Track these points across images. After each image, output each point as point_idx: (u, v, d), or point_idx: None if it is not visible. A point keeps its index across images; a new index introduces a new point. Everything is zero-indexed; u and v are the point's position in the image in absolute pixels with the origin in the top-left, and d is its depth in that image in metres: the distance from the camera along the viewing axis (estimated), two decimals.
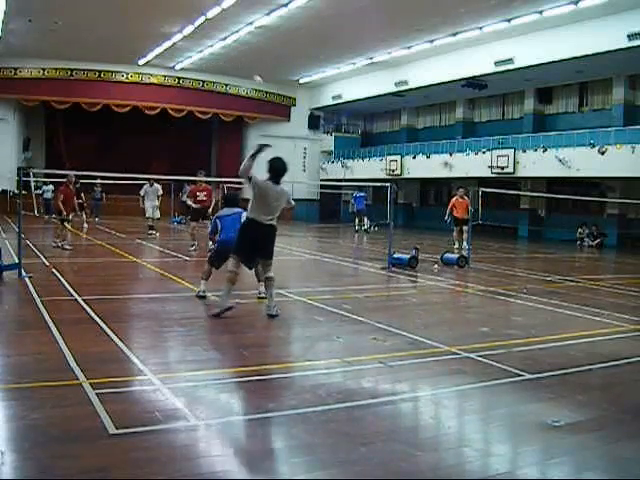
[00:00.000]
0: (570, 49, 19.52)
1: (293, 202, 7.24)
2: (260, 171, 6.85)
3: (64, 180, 13.99)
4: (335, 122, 35.27)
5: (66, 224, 13.77)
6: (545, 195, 21.92)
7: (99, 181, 23.55)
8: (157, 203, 18.08)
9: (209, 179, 19.10)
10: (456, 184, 28.12)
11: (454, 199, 16.21)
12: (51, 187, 23.97)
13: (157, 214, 18.06)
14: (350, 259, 13.59)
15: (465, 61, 23.24)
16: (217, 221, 8.31)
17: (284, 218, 33.25)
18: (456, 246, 16.18)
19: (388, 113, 34.04)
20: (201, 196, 13.85)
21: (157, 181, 18.24)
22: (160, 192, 18.23)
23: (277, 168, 6.93)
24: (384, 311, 7.88)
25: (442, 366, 5.24)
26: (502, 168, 23.15)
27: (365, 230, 23.43)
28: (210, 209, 13.93)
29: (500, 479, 3.21)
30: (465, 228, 16.04)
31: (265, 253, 6.93)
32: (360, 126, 36.09)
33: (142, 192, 18.40)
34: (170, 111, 29.81)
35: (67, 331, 5.79)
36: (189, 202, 14.07)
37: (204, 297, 7.91)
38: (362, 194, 24.03)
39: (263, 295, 7.38)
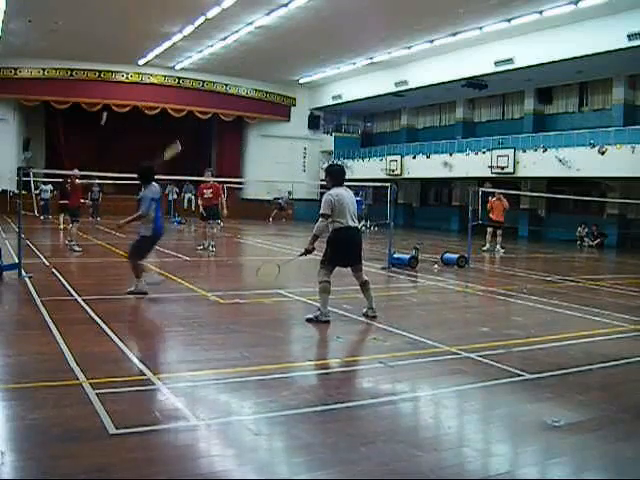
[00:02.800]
0: (570, 49, 19.52)
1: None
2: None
3: (61, 179, 13.91)
4: (335, 122, 35.25)
5: (75, 224, 13.32)
6: (545, 195, 21.92)
7: (97, 181, 23.52)
8: None
9: (210, 179, 19.10)
10: (456, 184, 28.35)
11: (493, 199, 16.44)
12: (49, 187, 23.94)
13: None
14: None
15: (465, 61, 23.24)
16: (154, 201, 8.10)
17: (284, 218, 33.15)
18: (485, 248, 16.30)
19: (388, 113, 34.04)
20: (207, 194, 13.84)
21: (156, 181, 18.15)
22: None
23: (339, 173, 7.03)
24: (384, 311, 7.86)
25: (442, 366, 5.24)
26: (502, 168, 23.15)
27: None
28: (220, 207, 13.95)
29: (500, 479, 3.21)
30: (499, 232, 16.21)
31: (359, 258, 6.91)
32: (360, 126, 36.09)
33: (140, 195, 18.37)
34: (170, 111, 29.81)
35: (67, 331, 5.79)
36: (198, 202, 14.19)
37: (145, 293, 7.80)
38: (359, 198, 23.88)
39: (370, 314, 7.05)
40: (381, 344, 5.88)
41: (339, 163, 7.48)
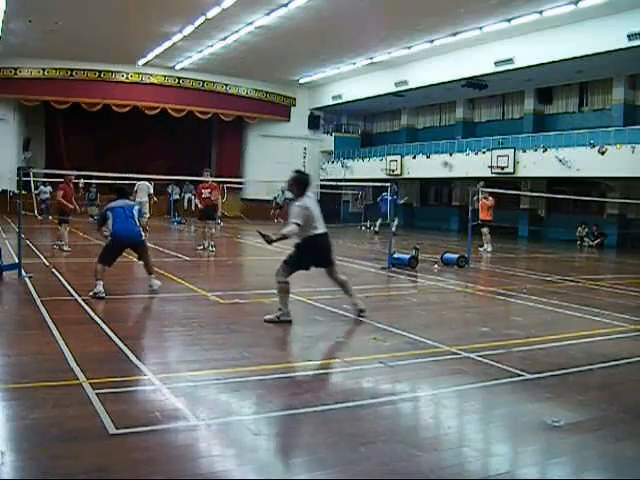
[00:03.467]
0: (570, 49, 19.51)
1: None
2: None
3: (62, 179, 13.91)
4: (335, 122, 35.24)
5: (64, 225, 13.38)
6: (545, 195, 21.91)
7: (94, 181, 23.52)
8: (146, 199, 17.98)
9: (210, 179, 19.11)
10: (456, 184, 28.35)
11: (482, 199, 16.46)
12: (49, 188, 23.93)
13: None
14: (350, 259, 13.57)
15: (465, 61, 23.23)
16: (108, 212, 8.17)
17: (285, 218, 33.18)
18: (482, 248, 16.33)
19: (388, 113, 34.03)
20: (205, 193, 13.86)
21: (148, 180, 18.14)
22: (151, 190, 17.84)
23: (307, 182, 7.00)
24: (384, 311, 7.87)
25: (442, 366, 5.24)
26: (502, 168, 23.14)
27: (376, 232, 22.49)
28: (218, 207, 13.97)
29: (500, 479, 3.22)
30: (483, 230, 16.24)
31: (330, 261, 7.01)
32: (360, 126, 36.08)
33: (135, 187, 18.23)
34: (170, 111, 29.79)
35: (67, 331, 5.79)
36: (197, 201, 14.18)
37: (102, 298, 7.53)
38: (389, 197, 20.65)
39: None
40: (381, 344, 5.88)
41: (304, 171, 7.60)
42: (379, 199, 22.23)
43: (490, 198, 16.86)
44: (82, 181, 13.89)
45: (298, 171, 7.25)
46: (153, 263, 8.62)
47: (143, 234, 8.42)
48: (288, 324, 6.61)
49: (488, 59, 22.29)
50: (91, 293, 7.63)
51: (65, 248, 13.07)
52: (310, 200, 6.85)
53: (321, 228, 6.83)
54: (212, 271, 12.36)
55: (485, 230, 16.77)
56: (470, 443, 3.69)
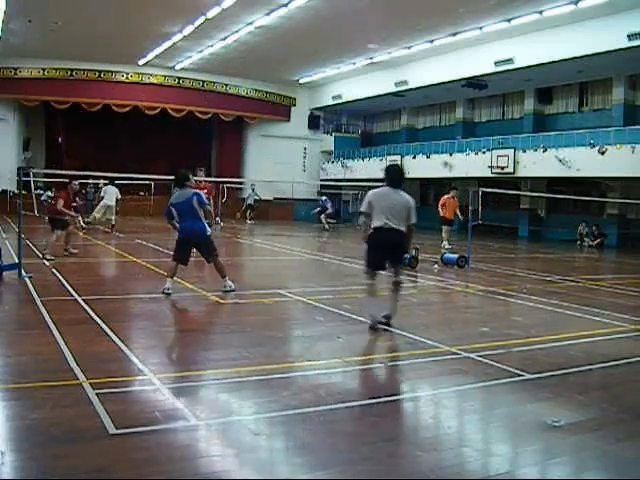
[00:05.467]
0: (570, 49, 19.51)
1: (414, 219, 6.58)
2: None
3: (66, 182, 13.76)
4: (335, 122, 35.24)
5: (69, 228, 13.26)
6: (545, 195, 21.91)
7: (92, 181, 23.50)
8: (113, 203, 18.59)
9: (209, 179, 19.17)
10: (457, 184, 28.31)
11: (446, 197, 16.62)
12: (49, 193, 23.88)
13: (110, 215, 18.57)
14: (350, 259, 13.57)
15: (465, 61, 23.23)
16: (171, 209, 8.24)
17: (285, 218, 33.02)
18: (447, 246, 16.40)
19: (388, 113, 34.03)
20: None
21: (148, 180, 18.67)
22: (119, 195, 18.89)
23: (387, 173, 6.78)
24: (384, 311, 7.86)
25: (442, 366, 5.24)
26: (502, 168, 23.14)
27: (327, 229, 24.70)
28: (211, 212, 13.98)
29: (500, 479, 3.22)
30: (447, 228, 16.44)
31: (395, 259, 6.60)
32: (360, 126, 36.08)
33: (102, 192, 18.96)
34: (170, 111, 29.79)
35: (67, 331, 5.79)
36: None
37: (169, 294, 7.87)
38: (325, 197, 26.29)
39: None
40: (381, 344, 5.88)
41: (397, 164, 7.70)
42: (324, 202, 25.67)
43: (456, 199, 17.00)
44: (75, 182, 13.70)
45: (391, 165, 7.19)
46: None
47: (209, 229, 8.37)
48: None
49: (488, 59, 22.29)
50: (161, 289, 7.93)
51: (73, 251, 12.52)
52: (376, 192, 6.54)
53: (378, 222, 6.39)
54: (212, 271, 12.33)
55: (449, 228, 16.83)
56: (470, 443, 3.69)
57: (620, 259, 18.27)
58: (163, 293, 7.87)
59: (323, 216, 25.38)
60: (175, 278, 8.28)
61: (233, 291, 8.26)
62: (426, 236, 17.97)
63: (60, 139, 29.94)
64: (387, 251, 6.47)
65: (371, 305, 6.51)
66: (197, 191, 8.33)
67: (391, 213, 6.38)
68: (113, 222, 18.59)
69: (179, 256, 8.22)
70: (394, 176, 6.68)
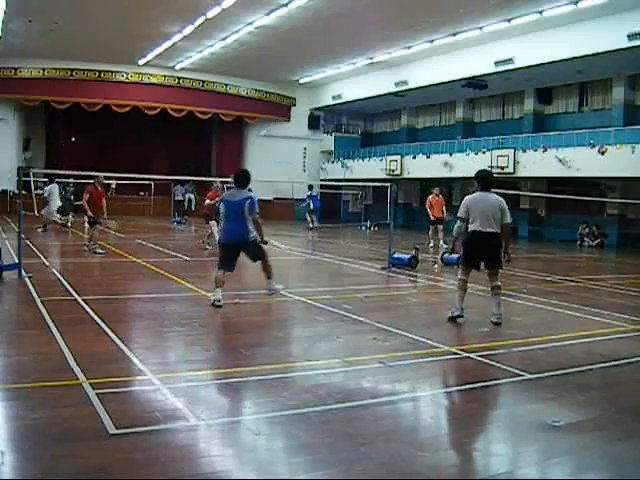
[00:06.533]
0: (570, 49, 19.51)
1: (508, 218, 7.05)
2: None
3: (92, 181, 13.77)
4: (335, 122, 35.24)
5: (98, 227, 13.13)
6: (545, 195, 21.91)
7: (90, 181, 23.38)
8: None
9: (210, 179, 19.21)
10: (456, 184, 28.33)
11: (431, 197, 16.81)
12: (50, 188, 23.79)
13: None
14: (350, 259, 13.58)
15: (465, 61, 23.23)
16: (221, 204, 7.78)
17: (285, 218, 33.10)
18: (431, 245, 16.52)
19: (388, 113, 34.03)
20: (207, 200, 14.25)
21: (148, 180, 18.51)
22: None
23: (478, 177, 7.26)
24: (384, 311, 7.88)
25: (442, 366, 5.24)
26: (502, 168, 23.12)
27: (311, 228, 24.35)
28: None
29: (500, 479, 3.22)
30: (440, 227, 16.57)
31: (490, 262, 7.10)
32: (360, 126, 36.08)
33: (46, 193, 18.31)
34: (170, 111, 29.79)
35: (67, 331, 5.79)
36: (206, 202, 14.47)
37: (220, 306, 7.30)
38: (314, 193, 25.45)
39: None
40: (381, 344, 5.88)
41: (486, 168, 8.58)
42: (309, 199, 24.93)
43: (440, 196, 17.08)
44: (102, 179, 13.68)
45: (481, 170, 7.53)
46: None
47: (252, 235, 7.66)
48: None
49: (488, 59, 22.29)
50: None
51: (99, 251, 12.65)
52: (471, 197, 7.08)
53: (475, 226, 6.88)
54: (212, 271, 12.35)
55: (441, 227, 16.96)
56: (470, 443, 3.69)
57: (620, 259, 18.26)
58: (213, 305, 7.29)
59: (307, 214, 24.94)
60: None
61: (277, 292, 8.05)
62: (426, 236, 17.97)
63: (60, 139, 29.92)
64: (483, 254, 7.02)
65: (459, 299, 7.11)
66: (252, 195, 7.54)
67: (486, 216, 6.87)
68: (59, 221, 18.28)
69: (223, 264, 7.63)
70: (485, 180, 7.16)
